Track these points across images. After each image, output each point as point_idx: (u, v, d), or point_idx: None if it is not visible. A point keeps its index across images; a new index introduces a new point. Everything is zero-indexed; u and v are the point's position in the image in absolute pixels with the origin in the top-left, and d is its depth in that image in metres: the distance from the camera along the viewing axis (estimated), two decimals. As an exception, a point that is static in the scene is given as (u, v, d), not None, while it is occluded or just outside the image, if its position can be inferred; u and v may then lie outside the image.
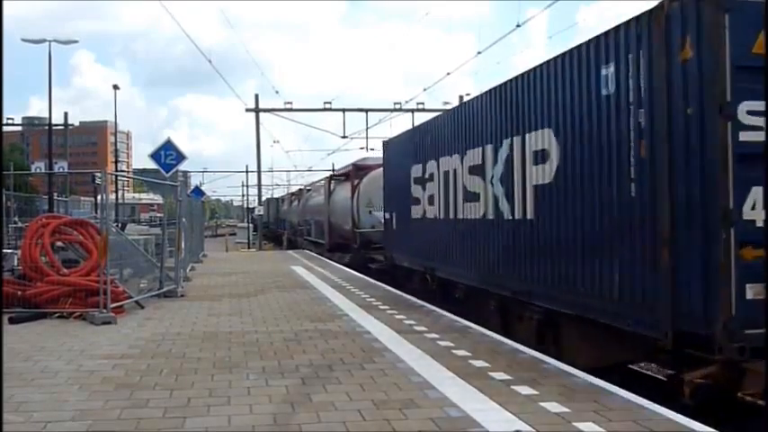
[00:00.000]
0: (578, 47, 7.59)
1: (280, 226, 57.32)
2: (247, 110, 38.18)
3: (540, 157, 8.43)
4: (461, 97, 40.33)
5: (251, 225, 57.72)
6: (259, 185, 43.09)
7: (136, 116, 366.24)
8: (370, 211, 21.41)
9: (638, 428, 4.77)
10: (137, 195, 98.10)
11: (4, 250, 12.66)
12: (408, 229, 14.55)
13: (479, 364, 6.77)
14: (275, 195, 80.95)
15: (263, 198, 69.86)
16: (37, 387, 6.13)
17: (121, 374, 6.60)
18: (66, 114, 42.59)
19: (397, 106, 37.16)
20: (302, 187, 44.36)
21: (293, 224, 44.42)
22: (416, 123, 39.11)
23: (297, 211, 42.52)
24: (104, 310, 9.72)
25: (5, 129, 50.44)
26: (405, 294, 13.00)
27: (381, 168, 19.88)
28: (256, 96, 38.57)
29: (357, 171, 23.79)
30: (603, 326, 7.14)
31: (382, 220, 18.37)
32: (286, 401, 5.57)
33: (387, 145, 17.43)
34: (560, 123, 8.00)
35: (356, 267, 19.96)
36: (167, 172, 15.65)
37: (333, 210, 26.54)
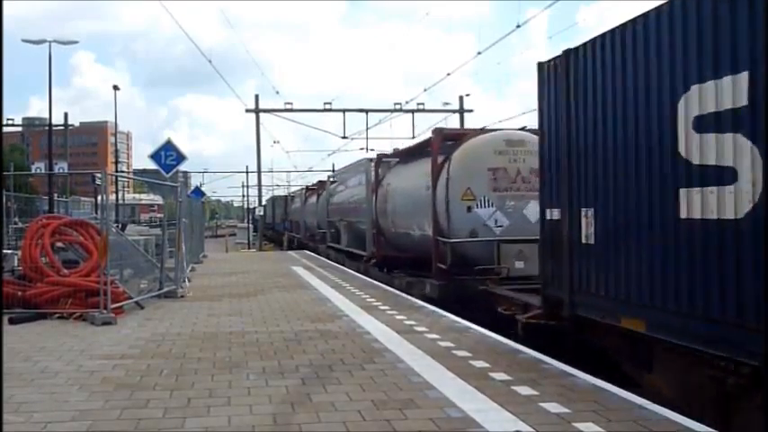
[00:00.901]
0: None
1: (288, 228, 49.30)
2: (247, 110, 38.29)
3: None
4: (461, 98, 40.52)
5: (251, 225, 57.42)
6: (259, 186, 43.20)
7: (136, 116, 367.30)
8: (470, 208, 13.00)
9: (638, 428, 4.78)
10: (137, 196, 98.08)
11: (5, 251, 12.66)
12: (671, 244, 5.91)
13: (480, 364, 6.77)
14: (280, 193, 73.25)
15: (268, 196, 69.83)
16: (37, 387, 6.13)
17: (121, 375, 6.60)
18: (66, 115, 42.67)
19: (398, 107, 37.25)
20: (327, 178, 32.35)
21: (310, 226, 36.06)
22: (417, 124, 39.20)
23: (315, 209, 33.58)
24: (104, 311, 9.72)
25: (5, 129, 50.53)
26: (405, 295, 13.00)
27: (487, 134, 13.92)
28: (256, 97, 38.72)
29: (443, 141, 14.41)
30: None
31: (489, 222, 12.75)
32: (286, 402, 5.57)
33: (555, 66, 8.09)
34: None
35: (452, 305, 11.26)
36: (167, 172, 15.67)
37: (385, 208, 17.76)
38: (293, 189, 63.81)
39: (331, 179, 30.44)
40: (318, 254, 27.92)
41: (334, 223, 26.43)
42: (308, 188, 40.22)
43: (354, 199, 22.61)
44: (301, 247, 36.42)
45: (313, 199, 35.51)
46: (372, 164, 19.95)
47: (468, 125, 36.73)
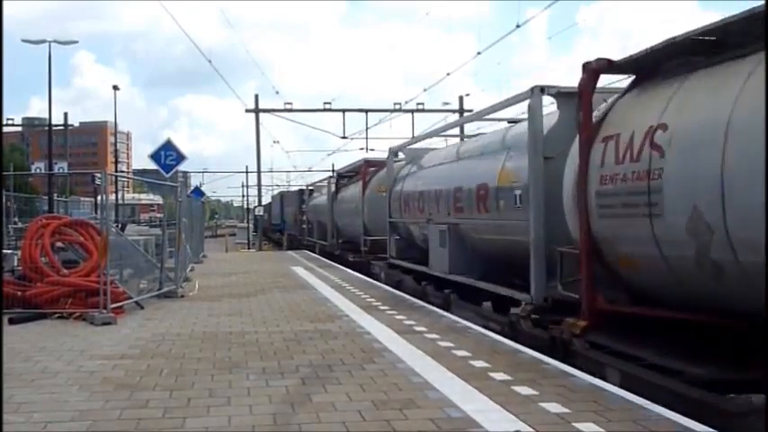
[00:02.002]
0: None
1: (304, 231, 37.87)
2: (247, 110, 38.26)
3: None
4: (461, 98, 40.53)
5: (251, 225, 56.86)
6: (259, 186, 43.15)
7: (136, 116, 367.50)
8: None
9: (638, 428, 4.77)
10: (137, 196, 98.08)
11: (4, 251, 12.66)
12: None
13: (479, 364, 6.77)
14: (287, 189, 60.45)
15: (268, 196, 69.41)
16: (37, 387, 6.13)
17: (121, 375, 6.60)
18: (66, 115, 42.78)
19: (397, 107, 37.27)
20: (388, 154, 18.47)
21: (346, 230, 25.28)
22: (417, 124, 37.90)
23: (356, 206, 22.42)
24: (104, 311, 9.72)
25: (5, 129, 50.51)
26: (405, 295, 12.99)
27: None
28: (256, 97, 38.68)
29: None
30: None
31: None
32: (286, 402, 5.57)
33: None
34: None
35: None
36: (167, 172, 15.71)
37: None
38: (293, 188, 58.81)
39: (395, 156, 18.02)
40: (369, 274, 17.80)
41: (406, 227, 15.77)
42: (340, 176, 28.12)
43: (475, 183, 11.18)
44: (328, 257, 25.53)
45: (352, 190, 24.05)
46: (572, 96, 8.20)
47: (468, 125, 35.53)
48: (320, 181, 39.03)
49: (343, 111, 37.67)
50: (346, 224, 25.02)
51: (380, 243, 18.38)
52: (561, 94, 9.00)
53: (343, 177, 27.38)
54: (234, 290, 14.20)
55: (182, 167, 17.90)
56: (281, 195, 54.83)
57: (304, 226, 38.70)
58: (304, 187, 44.41)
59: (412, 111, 37.56)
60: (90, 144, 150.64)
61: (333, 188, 28.22)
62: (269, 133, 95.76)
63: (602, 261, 7.26)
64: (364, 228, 20.97)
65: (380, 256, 17.97)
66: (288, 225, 47.19)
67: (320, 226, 31.89)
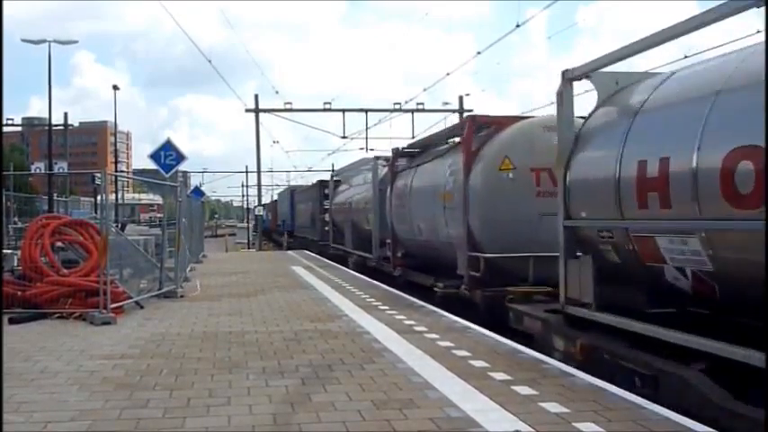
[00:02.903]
0: None
1: (318, 234, 30.77)
2: (247, 110, 38.27)
3: None
4: (461, 98, 40.54)
5: (251, 225, 56.62)
6: (259, 186, 43.11)
7: (136, 116, 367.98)
8: None
9: (638, 428, 4.77)
10: (136, 196, 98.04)
11: (4, 250, 12.66)
12: None
13: (479, 364, 6.77)
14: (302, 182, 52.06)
15: (268, 196, 69.21)
16: (37, 387, 6.13)
17: (121, 374, 6.59)
18: (66, 114, 42.64)
19: (397, 106, 37.29)
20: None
21: (412, 241, 15.90)
22: (416, 124, 36.91)
23: (425, 203, 14.43)
24: (104, 311, 9.72)
25: (5, 129, 50.50)
26: (404, 294, 12.99)
27: None
28: (256, 97, 38.68)
29: None
30: None
31: None
32: (286, 401, 5.57)
33: None
34: None
35: None
36: (167, 172, 15.68)
37: None
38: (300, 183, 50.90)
39: (571, 79, 8.13)
40: (502, 327, 9.25)
41: (630, 242, 6.88)
42: (400, 154, 17.71)
43: None
44: (369, 274, 17.83)
45: (428, 175, 14.98)
46: None
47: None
48: (349, 167, 28.67)
49: (343, 111, 37.68)
50: (415, 229, 15.51)
51: (506, 267, 11.00)
52: None
53: (405, 156, 17.54)
54: (234, 290, 14.20)
55: (182, 167, 17.86)
56: (292, 191, 46.66)
57: (327, 228, 29.54)
58: (326, 178, 34.44)
59: (412, 111, 37.59)
60: (90, 144, 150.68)
61: (382, 173, 19.23)
62: (269, 133, 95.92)
63: None
64: (469, 237, 11.99)
65: (515, 292, 10.07)
66: (300, 227, 38.78)
67: (356, 230, 23.52)
